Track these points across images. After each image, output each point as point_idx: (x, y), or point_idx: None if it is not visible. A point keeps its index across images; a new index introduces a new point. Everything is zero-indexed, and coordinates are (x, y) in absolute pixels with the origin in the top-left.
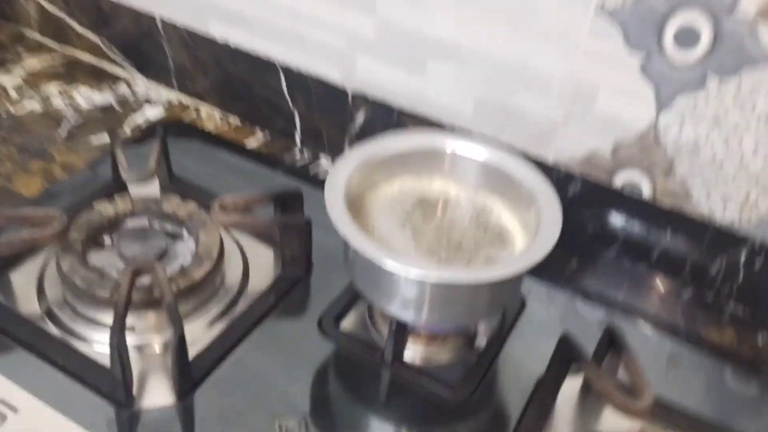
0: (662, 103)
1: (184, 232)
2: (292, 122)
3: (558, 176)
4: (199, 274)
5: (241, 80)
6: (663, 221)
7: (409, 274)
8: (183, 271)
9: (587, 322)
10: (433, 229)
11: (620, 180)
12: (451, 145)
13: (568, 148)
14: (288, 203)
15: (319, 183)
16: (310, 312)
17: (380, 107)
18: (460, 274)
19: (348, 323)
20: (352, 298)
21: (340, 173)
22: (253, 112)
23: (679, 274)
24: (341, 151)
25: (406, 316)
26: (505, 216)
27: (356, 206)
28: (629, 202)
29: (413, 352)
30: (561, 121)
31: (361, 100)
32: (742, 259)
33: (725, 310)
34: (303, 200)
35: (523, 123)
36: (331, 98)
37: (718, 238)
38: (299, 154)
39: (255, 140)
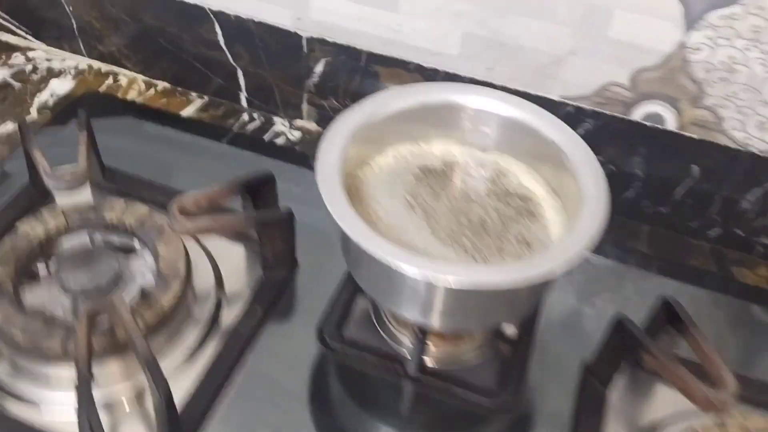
0: (692, 19)
1: (137, 244)
2: (235, 80)
3: (565, 113)
4: (167, 300)
5: (165, 35)
6: (689, 154)
7: (442, 282)
8: (146, 297)
9: (620, 286)
10: (447, 207)
11: (640, 112)
12: (446, 96)
13: (578, 81)
14: (258, 190)
15: (276, 150)
16: (306, 320)
17: (344, 53)
18: (506, 276)
19: (351, 328)
20: (350, 295)
21: (330, 151)
22: (184, 73)
23: (706, 212)
24: (298, 109)
25: (432, 321)
26: (525, 179)
27: (352, 189)
28: (650, 135)
29: (434, 354)
30: (568, 50)
31: (320, 46)
32: None
33: (756, 246)
34: (276, 185)
35: (522, 57)
36: (282, 47)
37: (754, 168)
38: (248, 118)
39: (192, 107)
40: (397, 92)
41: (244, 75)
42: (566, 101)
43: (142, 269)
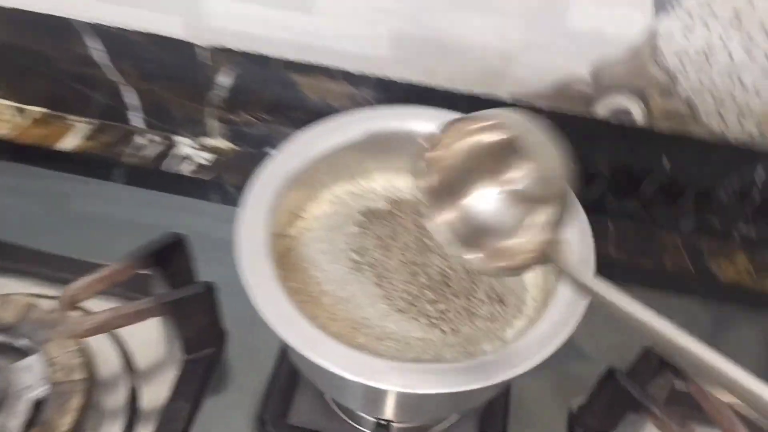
0: (662, 3)
1: (17, 343)
2: (123, 100)
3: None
4: (66, 422)
5: (30, 53)
6: (660, 148)
7: (392, 389)
8: (41, 424)
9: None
10: (400, 262)
11: (604, 108)
12: (385, 124)
13: (532, 79)
14: (168, 257)
15: (185, 183)
16: (243, 402)
17: (254, 62)
18: (465, 378)
19: (299, 410)
20: (291, 369)
21: (251, 213)
22: (60, 96)
23: (678, 205)
24: (204, 126)
25: (385, 415)
26: None
27: (284, 256)
28: (616, 133)
29: (402, 428)
30: (520, 45)
31: (223, 55)
32: (761, 176)
33: (733, 233)
34: (187, 248)
35: (467, 56)
36: (176, 59)
37: (731, 157)
38: (145, 141)
39: (74, 136)
40: (326, 126)
41: (137, 93)
42: (519, 101)
43: (26, 378)
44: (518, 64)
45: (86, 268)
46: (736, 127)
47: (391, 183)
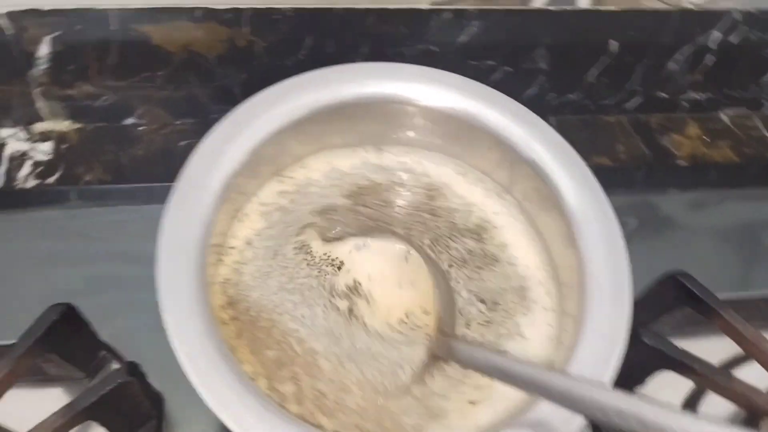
0: None
1: None
2: None
3: (441, 22)
4: None
5: None
6: (606, 30)
7: None
8: None
9: None
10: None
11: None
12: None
13: None
14: (59, 335)
15: (32, 196)
16: None
17: (79, 20)
18: None
19: None
20: None
21: (173, 260)
22: None
23: (624, 86)
24: (33, 110)
25: None
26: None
27: (223, 304)
28: (557, 21)
29: None
30: None
31: (33, 20)
32: (716, 38)
33: (681, 103)
34: (80, 319)
35: None
36: None
37: (686, 24)
38: None
39: None
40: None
41: None
42: (440, 7)
43: None
44: None
45: None
46: None
47: (332, 166)
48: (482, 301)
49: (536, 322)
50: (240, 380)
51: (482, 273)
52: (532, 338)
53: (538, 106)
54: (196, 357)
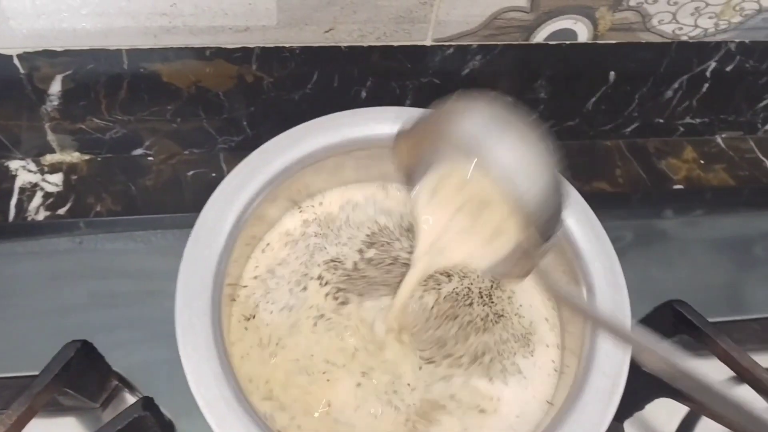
0: None
1: None
2: None
3: (443, 58)
4: None
5: None
6: (605, 62)
7: None
8: None
9: None
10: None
11: (543, 34)
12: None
13: (457, 18)
14: (74, 372)
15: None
16: None
17: (91, 59)
18: None
19: None
20: None
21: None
22: None
23: (623, 113)
24: (44, 143)
25: None
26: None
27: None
28: (557, 55)
29: None
30: None
31: (45, 60)
32: (711, 67)
33: (678, 128)
34: (95, 353)
35: (373, 6)
36: None
37: (682, 55)
38: None
39: None
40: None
41: None
42: (443, 44)
43: None
44: (442, 5)
45: None
46: (690, 26)
47: (346, 198)
48: (483, 354)
49: (538, 360)
50: (256, 422)
51: (486, 333)
52: (533, 377)
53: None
54: (213, 401)
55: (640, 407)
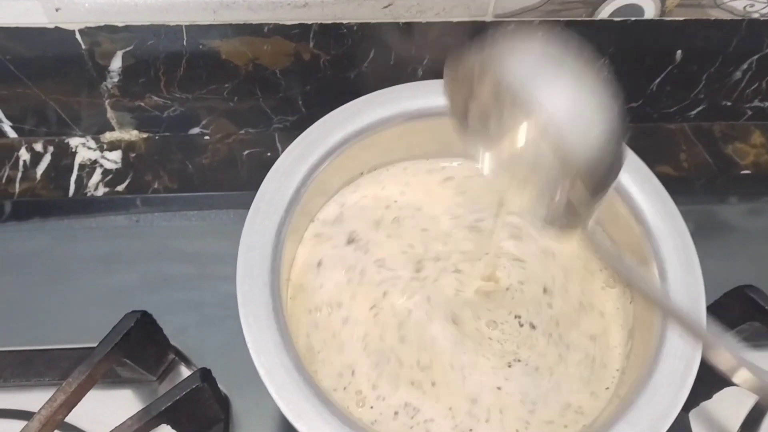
0: None
1: None
2: None
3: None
4: None
5: None
6: (672, 40)
7: None
8: None
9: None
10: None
11: (608, 10)
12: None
13: None
14: (132, 343)
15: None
16: None
17: (151, 35)
18: None
19: None
20: None
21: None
22: None
23: (688, 94)
24: (103, 120)
25: None
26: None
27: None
28: (622, 31)
29: None
30: None
31: (106, 35)
32: None
33: (746, 111)
34: (155, 325)
35: None
36: (43, 51)
37: (753, 34)
38: (28, 155)
39: None
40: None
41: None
42: (504, 20)
43: None
44: None
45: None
46: (762, 3)
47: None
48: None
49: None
50: (315, 392)
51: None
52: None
53: None
54: (273, 370)
55: (708, 396)
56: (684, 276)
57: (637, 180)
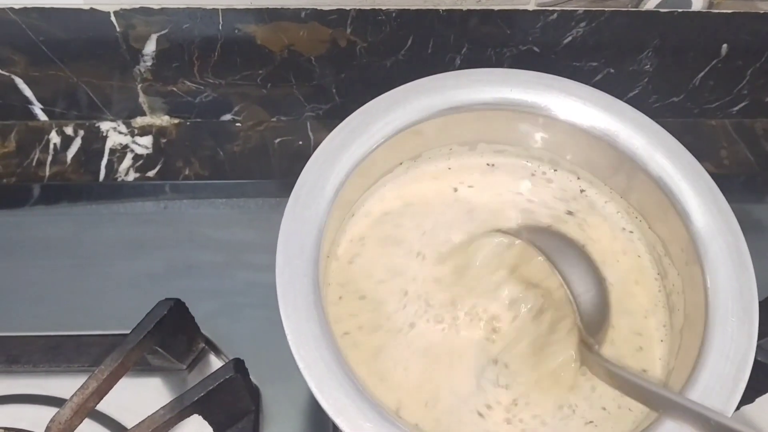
0: None
1: None
2: (18, 93)
3: (546, 23)
4: None
5: None
6: (718, 33)
7: None
8: None
9: None
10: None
11: (655, 1)
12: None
13: None
14: (165, 331)
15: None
16: None
17: (187, 18)
18: None
19: None
20: None
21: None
22: None
23: (731, 90)
24: (135, 105)
25: None
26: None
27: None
28: (667, 23)
29: None
30: None
31: (141, 17)
32: None
33: None
34: (187, 313)
35: None
36: (77, 33)
37: None
38: (59, 139)
39: None
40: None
41: (29, 83)
42: (547, 8)
43: None
44: None
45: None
46: None
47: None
48: None
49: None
50: (356, 387)
51: None
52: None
53: (638, 108)
54: (313, 364)
55: (751, 400)
56: (737, 276)
57: (687, 176)
